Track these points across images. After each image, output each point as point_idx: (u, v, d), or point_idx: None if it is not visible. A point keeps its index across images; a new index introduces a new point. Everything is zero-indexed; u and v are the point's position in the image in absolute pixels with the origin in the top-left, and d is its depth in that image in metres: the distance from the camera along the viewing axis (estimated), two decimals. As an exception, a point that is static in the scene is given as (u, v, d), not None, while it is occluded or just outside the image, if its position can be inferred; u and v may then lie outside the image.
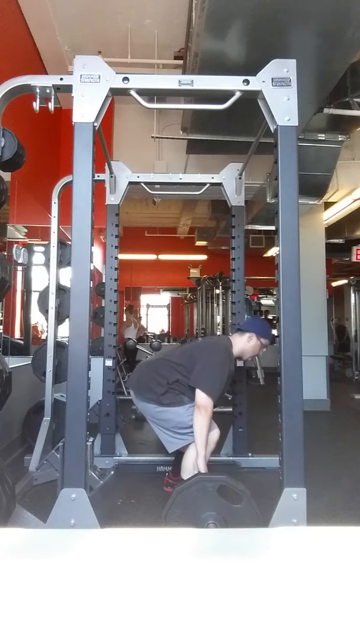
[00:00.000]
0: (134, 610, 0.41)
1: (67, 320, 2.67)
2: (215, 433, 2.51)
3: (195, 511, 1.66)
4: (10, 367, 1.77)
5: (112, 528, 0.59)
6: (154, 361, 2.64)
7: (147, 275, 11.29)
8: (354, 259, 6.99)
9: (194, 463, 2.23)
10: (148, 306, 13.09)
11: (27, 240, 4.54)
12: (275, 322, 1.82)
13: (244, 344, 2.53)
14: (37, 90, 1.83)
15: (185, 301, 12.66)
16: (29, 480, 2.70)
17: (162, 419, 2.40)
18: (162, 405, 2.38)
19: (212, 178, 3.20)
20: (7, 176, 2.36)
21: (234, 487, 1.72)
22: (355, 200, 5.47)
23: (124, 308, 9.98)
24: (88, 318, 1.73)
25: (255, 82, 1.81)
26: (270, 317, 10.91)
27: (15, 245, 4.09)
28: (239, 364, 3.22)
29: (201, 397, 2.24)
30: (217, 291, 8.24)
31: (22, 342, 4.74)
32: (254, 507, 1.68)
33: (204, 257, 10.52)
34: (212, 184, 3.22)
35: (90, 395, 1.78)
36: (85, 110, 1.77)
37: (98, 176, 2.70)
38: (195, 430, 2.22)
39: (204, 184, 3.24)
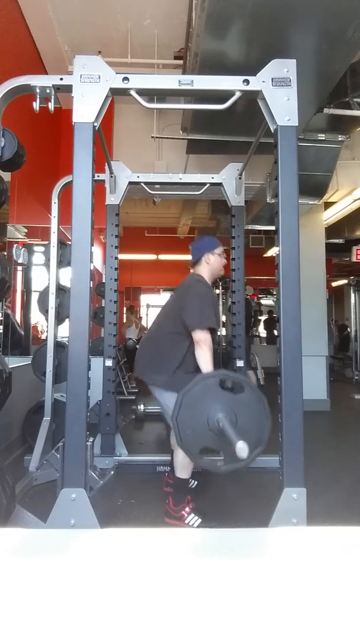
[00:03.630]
0: (134, 610, 0.41)
1: (67, 320, 2.67)
2: None
3: (203, 408, 1.65)
4: (10, 367, 1.78)
5: (112, 528, 0.59)
6: (152, 339, 2.57)
7: (147, 275, 11.29)
8: (354, 259, 6.98)
9: (183, 456, 2.24)
10: (148, 306, 13.08)
11: (27, 240, 4.54)
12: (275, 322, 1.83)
13: (206, 267, 2.52)
14: (37, 90, 1.83)
15: (186, 301, 12.63)
16: (29, 480, 2.70)
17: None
18: (176, 389, 2.34)
19: (212, 178, 3.20)
20: (7, 176, 2.37)
21: (234, 379, 1.73)
22: (355, 200, 5.47)
23: (125, 308, 9.95)
24: (88, 318, 1.73)
25: (255, 82, 1.81)
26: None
27: (15, 245, 4.10)
28: (239, 364, 3.22)
29: (196, 333, 2.23)
30: (217, 291, 8.23)
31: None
32: (257, 392, 1.68)
33: (204, 257, 10.50)
34: (212, 184, 3.22)
35: (90, 395, 1.78)
36: (85, 110, 1.77)
37: (98, 176, 2.70)
38: (200, 361, 2.21)
39: (204, 184, 3.24)
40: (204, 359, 2.21)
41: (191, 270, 2.60)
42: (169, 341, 2.40)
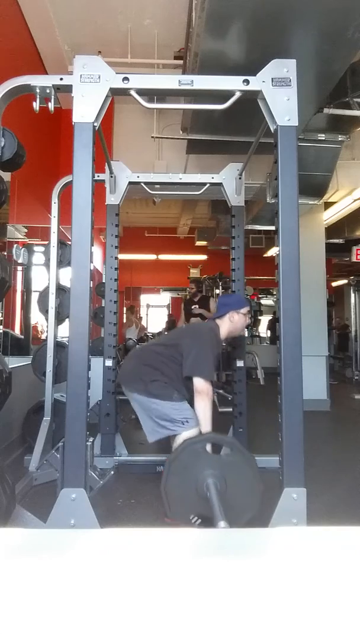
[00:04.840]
0: (133, 610, 0.41)
1: (67, 320, 2.67)
2: None
3: (192, 474, 1.65)
4: (10, 367, 1.77)
5: (112, 528, 0.59)
6: (139, 353, 2.64)
7: (147, 275, 11.29)
8: (354, 259, 6.98)
9: None
10: (148, 306, 13.08)
11: (27, 240, 4.54)
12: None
13: (228, 325, 2.56)
14: (37, 90, 1.83)
15: (186, 301, 12.65)
16: (29, 480, 2.70)
17: (147, 408, 2.40)
18: (150, 395, 2.37)
19: (212, 178, 3.19)
20: (7, 176, 2.36)
21: (221, 441, 1.73)
22: (355, 200, 5.47)
23: (126, 308, 9.93)
24: (88, 318, 1.73)
25: (255, 82, 1.81)
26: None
27: (15, 245, 4.10)
28: (239, 364, 3.22)
29: (199, 382, 2.28)
30: (217, 291, 8.23)
31: (22, 337, 4.75)
32: (244, 451, 1.69)
33: (204, 257, 10.52)
34: (212, 184, 3.22)
35: (90, 395, 1.78)
36: (85, 110, 1.77)
37: (98, 176, 2.70)
38: (200, 413, 2.25)
39: (204, 184, 3.23)
40: (204, 412, 2.25)
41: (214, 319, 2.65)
42: (161, 358, 2.45)
